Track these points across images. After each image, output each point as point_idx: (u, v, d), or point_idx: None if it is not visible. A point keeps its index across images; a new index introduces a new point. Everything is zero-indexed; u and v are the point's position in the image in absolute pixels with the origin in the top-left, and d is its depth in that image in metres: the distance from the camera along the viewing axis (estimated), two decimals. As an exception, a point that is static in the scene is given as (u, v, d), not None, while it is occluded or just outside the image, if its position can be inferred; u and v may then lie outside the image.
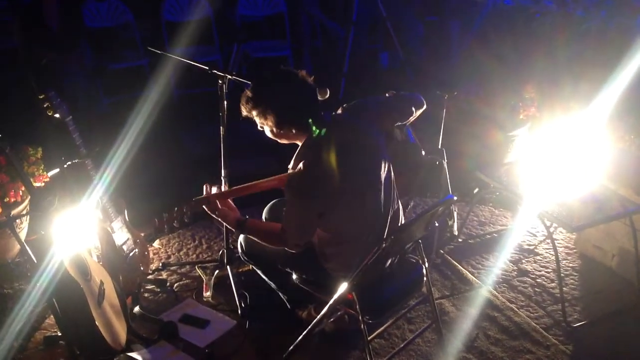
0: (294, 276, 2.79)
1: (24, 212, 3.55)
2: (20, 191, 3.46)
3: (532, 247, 3.94)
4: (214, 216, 2.75)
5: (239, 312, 3.25)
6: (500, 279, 3.62)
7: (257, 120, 2.50)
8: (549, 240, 3.82)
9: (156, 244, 3.95)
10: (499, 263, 3.76)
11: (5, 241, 3.58)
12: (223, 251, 3.43)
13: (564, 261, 3.78)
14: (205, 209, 2.74)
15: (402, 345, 3.01)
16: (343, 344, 3.08)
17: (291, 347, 2.91)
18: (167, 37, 6.13)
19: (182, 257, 3.85)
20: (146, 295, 3.46)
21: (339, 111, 2.64)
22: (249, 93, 2.46)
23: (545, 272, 3.69)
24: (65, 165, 3.11)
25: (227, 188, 3.15)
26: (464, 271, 3.69)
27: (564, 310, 3.27)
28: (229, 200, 2.81)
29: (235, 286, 3.33)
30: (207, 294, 3.41)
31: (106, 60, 5.89)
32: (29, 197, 3.52)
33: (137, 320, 3.20)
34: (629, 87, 3.79)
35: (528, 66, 4.94)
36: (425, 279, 2.83)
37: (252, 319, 3.21)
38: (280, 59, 6.55)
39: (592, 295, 3.49)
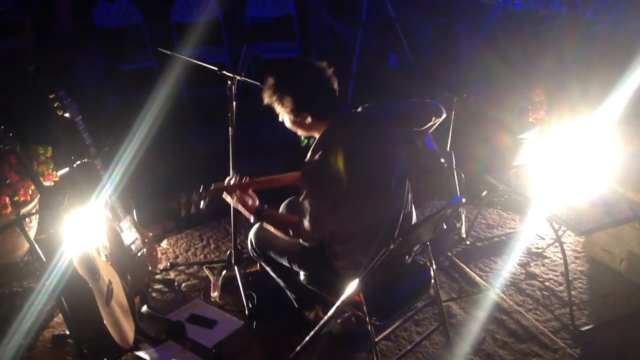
0: (302, 276, 2.79)
1: (34, 210, 3.57)
2: (30, 190, 3.48)
3: (540, 251, 3.93)
4: (232, 203, 2.79)
5: (246, 312, 3.25)
6: (508, 282, 3.61)
7: (276, 107, 2.53)
8: (557, 244, 3.81)
9: (164, 243, 3.96)
10: (507, 266, 3.75)
11: (15, 240, 3.60)
12: (231, 252, 3.44)
13: (572, 265, 3.77)
14: (225, 196, 2.78)
15: (409, 347, 3.01)
16: (350, 345, 3.08)
17: (298, 348, 2.92)
18: (177, 38, 6.15)
19: (190, 257, 3.86)
20: (154, 294, 3.47)
21: (359, 109, 2.65)
22: (270, 80, 2.50)
23: (554, 275, 3.68)
24: (74, 165, 3.13)
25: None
26: (472, 274, 3.68)
27: (572, 313, 3.26)
28: (250, 190, 2.83)
29: (242, 287, 3.33)
30: (215, 294, 3.42)
31: (116, 61, 5.92)
32: (39, 196, 3.54)
33: (145, 320, 3.21)
34: (638, 91, 3.78)
35: (537, 69, 4.93)
36: (433, 281, 2.83)
37: (259, 320, 3.22)
38: (290, 60, 6.55)
39: (601, 299, 3.47)
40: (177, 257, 3.85)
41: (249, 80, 3.05)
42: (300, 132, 2.63)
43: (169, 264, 3.71)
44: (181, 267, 3.71)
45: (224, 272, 3.49)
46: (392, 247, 2.33)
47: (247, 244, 3.06)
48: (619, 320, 3.29)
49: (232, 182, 2.82)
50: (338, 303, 2.60)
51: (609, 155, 3.62)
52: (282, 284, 3.08)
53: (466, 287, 3.57)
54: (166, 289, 3.51)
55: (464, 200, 2.69)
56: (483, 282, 3.61)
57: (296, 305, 3.15)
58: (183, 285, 3.56)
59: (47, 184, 3.57)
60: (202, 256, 3.87)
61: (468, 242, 4.02)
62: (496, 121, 4.49)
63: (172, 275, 3.65)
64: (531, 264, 3.79)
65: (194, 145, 5.46)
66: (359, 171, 2.45)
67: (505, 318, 3.30)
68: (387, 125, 2.59)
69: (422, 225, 2.52)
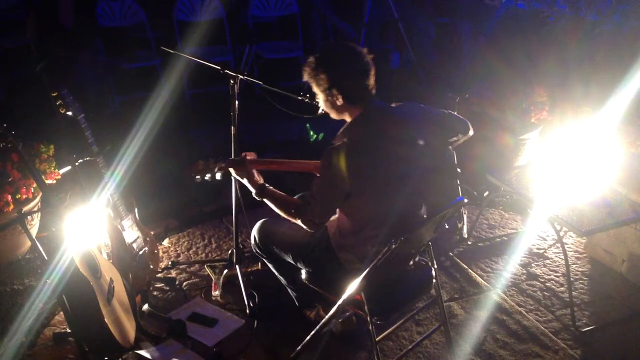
0: (304, 274, 2.79)
1: (35, 208, 3.58)
2: (32, 188, 3.48)
3: (541, 251, 3.92)
4: (238, 178, 2.84)
5: (247, 311, 3.25)
6: (509, 282, 3.61)
7: (313, 86, 2.57)
8: (558, 244, 3.81)
9: (166, 242, 3.97)
10: (508, 266, 3.75)
11: (17, 237, 3.60)
12: (232, 250, 3.44)
13: (574, 265, 3.77)
14: (233, 171, 2.84)
15: (410, 347, 3.01)
16: (351, 344, 3.08)
17: (299, 347, 2.92)
18: (180, 37, 6.15)
19: (192, 255, 3.86)
20: (155, 293, 3.47)
21: (392, 105, 2.66)
22: (311, 58, 2.53)
23: (555, 276, 3.67)
24: (76, 163, 3.13)
25: (237, 186, 3.18)
26: (473, 274, 3.68)
27: (573, 314, 3.26)
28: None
29: (243, 286, 3.34)
30: (216, 293, 3.42)
31: (119, 59, 5.92)
32: (41, 194, 3.55)
33: (146, 318, 3.21)
34: (641, 92, 3.78)
35: (539, 69, 4.93)
36: (434, 281, 2.83)
37: (260, 319, 3.22)
38: (292, 60, 6.56)
39: (602, 300, 3.47)
40: (178, 255, 3.86)
41: (251, 79, 3.05)
42: (333, 115, 2.64)
43: (170, 263, 3.71)
44: (182, 266, 3.71)
45: (225, 271, 3.49)
46: (393, 246, 2.33)
47: (248, 243, 3.06)
48: (620, 322, 3.29)
49: (249, 157, 2.87)
50: (339, 302, 2.61)
51: (611, 156, 3.62)
52: (284, 281, 3.09)
53: (467, 287, 3.56)
54: (167, 288, 3.51)
55: (465, 200, 2.68)
56: (484, 282, 3.61)
57: (297, 304, 3.16)
58: (184, 284, 3.56)
59: (49, 182, 3.58)
60: (203, 255, 3.87)
61: (469, 243, 4.01)
62: (498, 121, 4.49)
63: (173, 273, 3.65)
64: (532, 265, 3.78)
65: (197, 143, 5.46)
66: (378, 163, 2.46)
67: (506, 318, 3.30)
68: (413, 126, 2.59)
69: (423, 225, 2.52)
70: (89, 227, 3.01)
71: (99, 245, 3.31)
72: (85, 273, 2.69)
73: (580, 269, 3.75)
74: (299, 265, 2.83)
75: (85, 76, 4.91)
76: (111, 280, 2.93)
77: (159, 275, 3.61)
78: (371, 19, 6.19)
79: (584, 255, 3.89)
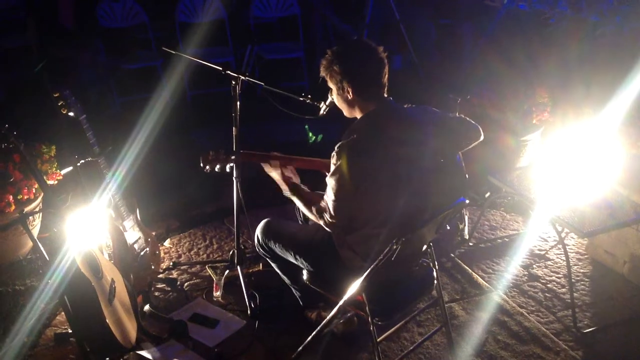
0: (305, 275, 2.79)
1: (37, 209, 3.58)
2: (34, 188, 3.49)
3: (543, 252, 3.92)
4: (272, 173, 2.91)
5: (249, 312, 3.25)
6: (510, 283, 3.61)
7: (328, 80, 2.60)
8: (560, 246, 3.80)
9: (167, 243, 3.97)
10: (509, 268, 3.75)
11: (18, 238, 3.60)
12: (233, 251, 3.44)
13: (575, 267, 3.77)
14: (267, 166, 2.91)
15: (411, 348, 3.01)
16: (352, 345, 3.08)
17: (300, 348, 2.91)
18: (181, 38, 6.16)
19: (193, 256, 3.86)
20: (157, 294, 3.47)
21: (405, 106, 2.67)
22: (329, 52, 2.56)
23: (556, 277, 3.67)
24: (78, 164, 3.14)
25: (239, 187, 3.19)
26: (475, 275, 3.68)
27: (574, 316, 3.26)
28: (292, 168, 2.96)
29: (245, 286, 3.34)
30: (217, 293, 3.42)
31: (120, 60, 5.93)
32: (42, 194, 3.55)
33: (148, 319, 3.21)
34: (643, 93, 3.78)
35: (541, 71, 4.93)
36: (435, 282, 2.83)
37: (261, 320, 3.22)
38: (293, 60, 6.57)
39: (603, 302, 3.47)
40: (179, 256, 3.86)
41: (253, 80, 3.05)
42: (345, 112, 2.66)
43: (171, 263, 3.71)
44: (184, 267, 3.71)
45: (227, 271, 3.49)
46: (395, 247, 2.33)
47: (249, 243, 3.06)
48: (622, 323, 3.29)
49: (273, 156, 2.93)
50: (340, 302, 2.60)
51: (613, 157, 3.62)
52: (287, 281, 3.09)
53: (469, 289, 3.56)
54: (169, 288, 3.52)
55: (467, 201, 2.68)
56: (486, 283, 3.61)
57: (301, 303, 3.16)
58: (185, 284, 3.56)
59: (50, 182, 3.58)
60: (204, 256, 3.87)
61: (471, 244, 4.01)
62: (500, 122, 4.49)
63: (174, 274, 3.65)
64: (534, 266, 3.78)
65: (198, 144, 5.47)
66: (386, 160, 2.46)
67: (508, 320, 3.30)
68: (425, 129, 2.59)
69: (425, 226, 2.52)
70: (90, 227, 3.02)
71: (101, 246, 3.32)
72: (86, 273, 2.69)
73: (581, 270, 3.75)
74: (301, 264, 2.83)
75: (86, 77, 4.92)
76: (112, 280, 2.93)
77: (160, 275, 3.61)
78: (372, 20, 6.19)
79: (586, 256, 3.88)
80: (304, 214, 3.20)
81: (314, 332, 2.86)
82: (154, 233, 3.65)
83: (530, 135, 4.57)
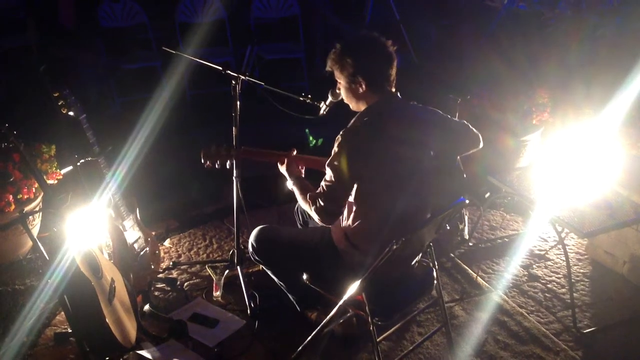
0: (305, 275, 2.79)
1: (37, 208, 3.58)
2: (34, 188, 3.49)
3: (543, 253, 3.92)
4: (281, 167, 2.96)
5: (249, 312, 3.25)
6: (510, 283, 3.61)
7: (336, 73, 2.61)
8: (560, 246, 3.80)
9: (167, 242, 3.97)
10: (509, 268, 3.75)
11: (18, 237, 3.60)
12: (233, 251, 3.44)
13: (575, 267, 3.77)
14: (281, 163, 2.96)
15: (410, 348, 3.01)
16: (352, 345, 3.08)
17: (300, 348, 2.91)
18: (181, 38, 6.16)
19: (193, 256, 3.86)
20: (156, 293, 3.47)
21: (410, 102, 2.68)
22: (337, 45, 2.58)
23: (556, 277, 3.67)
24: (78, 163, 3.14)
25: (238, 186, 3.19)
26: (474, 275, 3.68)
27: (574, 316, 3.26)
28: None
29: (245, 286, 3.34)
30: (217, 293, 3.42)
31: (120, 60, 5.93)
32: (42, 194, 3.55)
33: (147, 319, 3.21)
34: (643, 94, 3.78)
35: (541, 71, 4.93)
36: (435, 282, 2.83)
37: (261, 319, 3.22)
38: (293, 61, 6.57)
39: (603, 302, 3.47)
40: (179, 256, 3.86)
41: (253, 80, 3.05)
42: (352, 105, 2.67)
43: (171, 263, 3.71)
44: (184, 266, 3.71)
45: (227, 271, 3.49)
46: (394, 247, 2.33)
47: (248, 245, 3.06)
48: (622, 323, 3.29)
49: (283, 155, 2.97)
50: (340, 302, 2.60)
51: (613, 157, 3.62)
52: (284, 287, 3.08)
53: (469, 289, 3.56)
54: (168, 288, 3.51)
55: (467, 201, 2.68)
56: (485, 283, 3.61)
57: (298, 308, 3.16)
58: (185, 284, 3.56)
59: (50, 182, 3.58)
60: (204, 255, 3.87)
61: (471, 244, 4.01)
62: (499, 123, 4.49)
63: (174, 274, 3.65)
64: (534, 266, 3.78)
65: (198, 144, 5.45)
66: (386, 160, 2.48)
67: (508, 320, 3.30)
68: (427, 128, 2.60)
69: (425, 226, 2.52)
70: (90, 227, 3.02)
71: (101, 246, 3.32)
72: (86, 273, 2.69)
73: (581, 271, 3.75)
74: (300, 267, 2.82)
75: (86, 77, 4.92)
76: (112, 280, 2.93)
77: (160, 275, 3.61)
78: (373, 20, 6.19)
79: (585, 256, 3.89)
80: (302, 214, 3.22)
81: (314, 332, 2.86)
82: (153, 233, 3.65)
83: (530, 135, 4.57)
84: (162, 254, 3.74)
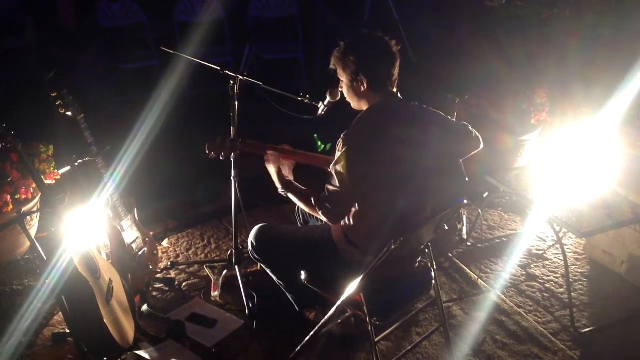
0: (303, 275, 2.79)
1: (35, 209, 3.58)
2: (31, 188, 3.48)
3: (541, 252, 3.92)
4: (269, 167, 2.91)
5: (247, 312, 3.25)
6: (508, 283, 3.61)
7: (339, 72, 2.62)
8: (558, 246, 3.81)
9: (165, 243, 3.97)
10: (507, 268, 3.76)
11: (16, 238, 3.60)
12: (232, 251, 3.44)
13: (573, 267, 3.77)
14: (267, 159, 2.91)
15: (409, 348, 3.01)
16: (350, 345, 3.08)
17: (298, 348, 2.92)
18: (180, 38, 6.15)
19: (191, 256, 3.86)
20: (154, 294, 3.47)
21: (412, 102, 2.69)
22: (341, 43, 2.59)
23: (554, 277, 3.67)
24: (76, 163, 3.13)
25: (237, 186, 3.19)
26: (473, 275, 3.68)
27: (572, 315, 3.26)
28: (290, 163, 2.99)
29: (243, 286, 3.33)
30: (215, 293, 3.42)
31: (119, 60, 5.92)
32: (40, 194, 3.55)
33: (145, 319, 3.21)
34: (641, 93, 3.78)
35: (539, 71, 4.92)
36: (433, 282, 2.82)
37: (259, 320, 3.22)
38: (292, 61, 6.56)
39: (601, 302, 3.47)
40: (177, 256, 3.86)
41: (251, 79, 3.05)
42: (354, 103, 2.68)
43: (169, 263, 3.71)
44: (182, 267, 3.71)
45: (225, 271, 3.50)
46: (393, 247, 2.33)
47: (247, 244, 3.06)
48: (619, 323, 3.29)
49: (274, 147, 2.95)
50: (339, 302, 2.60)
51: (611, 157, 3.62)
52: (283, 286, 3.08)
53: (467, 289, 3.56)
54: (167, 288, 3.51)
55: (465, 201, 2.68)
56: (483, 283, 3.61)
57: (297, 308, 3.15)
58: (183, 284, 3.56)
59: (48, 182, 3.58)
60: (202, 255, 3.87)
61: (469, 244, 4.02)
62: (498, 122, 4.49)
63: (172, 274, 3.65)
64: (532, 266, 3.78)
65: (197, 144, 5.45)
66: (386, 161, 2.48)
67: (506, 319, 3.30)
68: (427, 128, 2.60)
69: (423, 226, 2.52)
70: (88, 227, 3.01)
71: (98, 246, 3.31)
72: (84, 273, 2.69)
73: (579, 270, 3.75)
74: (299, 265, 2.82)
75: (85, 76, 4.92)
76: (110, 280, 2.92)
77: (158, 275, 3.61)
78: (371, 20, 6.18)
79: (583, 256, 3.89)
80: (303, 213, 3.21)
81: (312, 332, 2.86)
82: (152, 233, 3.65)
83: (528, 135, 4.57)
84: (160, 254, 3.74)
